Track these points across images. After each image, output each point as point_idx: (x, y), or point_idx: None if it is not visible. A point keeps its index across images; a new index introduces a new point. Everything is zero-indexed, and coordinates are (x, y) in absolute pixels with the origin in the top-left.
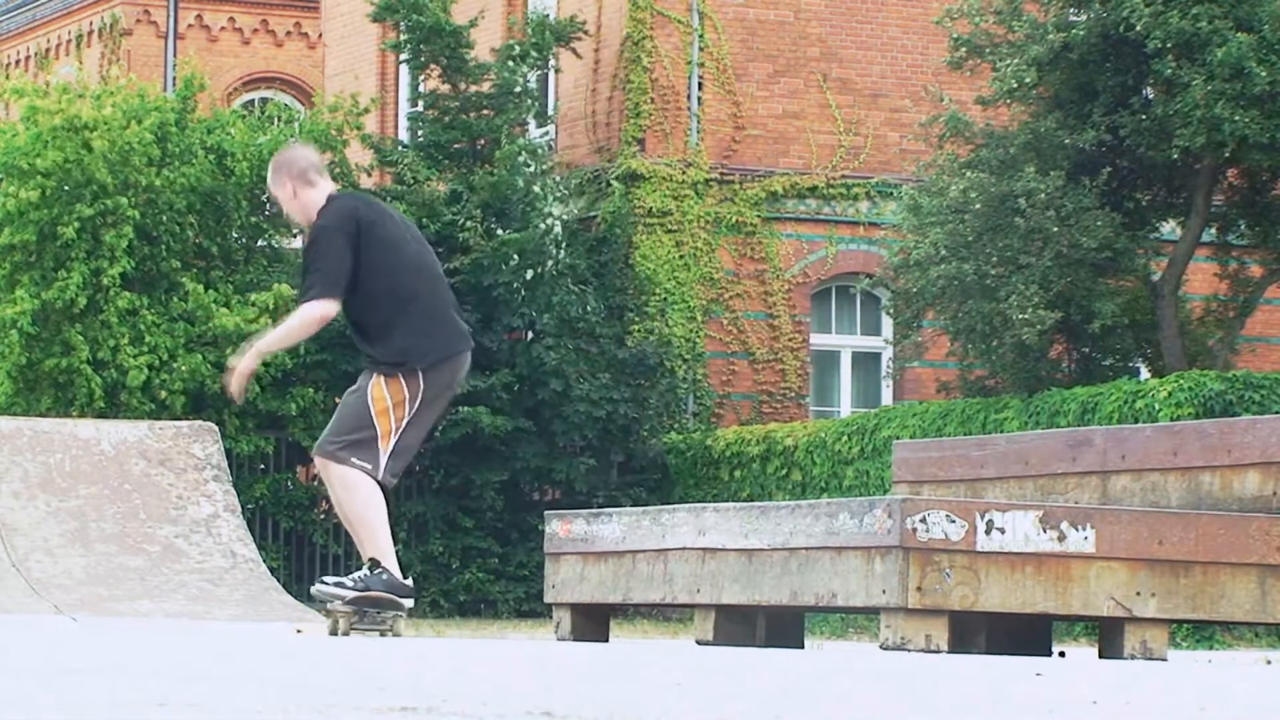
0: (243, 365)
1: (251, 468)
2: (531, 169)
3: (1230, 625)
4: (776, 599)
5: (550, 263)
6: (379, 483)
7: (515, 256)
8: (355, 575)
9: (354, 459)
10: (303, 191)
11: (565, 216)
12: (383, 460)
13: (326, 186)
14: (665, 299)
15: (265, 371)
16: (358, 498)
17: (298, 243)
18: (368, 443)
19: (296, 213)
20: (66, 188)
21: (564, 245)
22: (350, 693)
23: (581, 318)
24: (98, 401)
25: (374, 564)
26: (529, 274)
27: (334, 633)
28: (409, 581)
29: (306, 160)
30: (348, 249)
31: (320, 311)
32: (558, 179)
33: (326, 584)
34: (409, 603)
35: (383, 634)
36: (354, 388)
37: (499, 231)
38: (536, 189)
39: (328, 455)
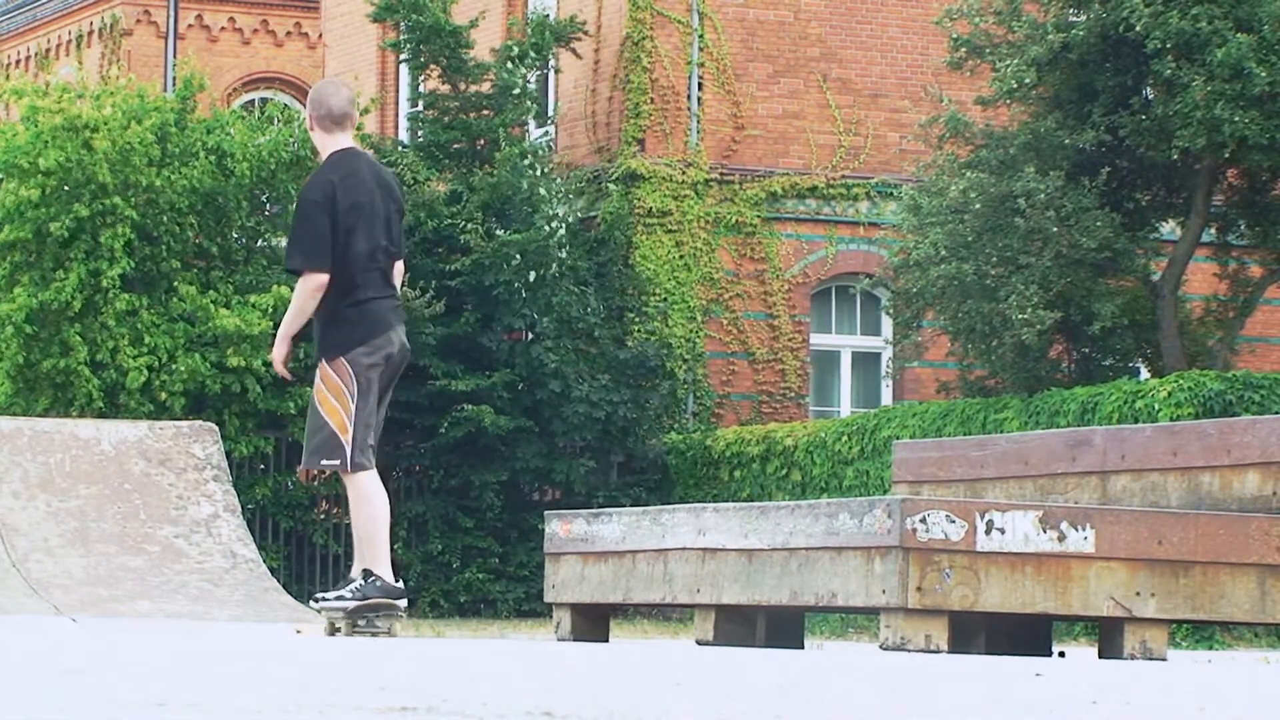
0: (276, 354)
1: (252, 468)
2: (535, 170)
3: (1230, 625)
4: (776, 599)
5: (554, 264)
6: (356, 468)
7: (517, 257)
8: (351, 586)
9: (323, 460)
10: (315, 133)
11: (569, 218)
12: (349, 451)
13: (340, 139)
14: (666, 300)
15: (266, 371)
16: (363, 513)
17: None
18: (329, 439)
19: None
20: (67, 187)
21: (566, 246)
22: (350, 693)
23: (581, 318)
24: (96, 402)
25: (367, 573)
26: (532, 275)
27: (331, 633)
28: (400, 584)
29: (326, 106)
30: (327, 221)
31: (314, 283)
32: (559, 180)
33: (328, 599)
34: (403, 603)
35: (380, 635)
36: None
37: (498, 232)
38: (542, 190)
39: (307, 469)
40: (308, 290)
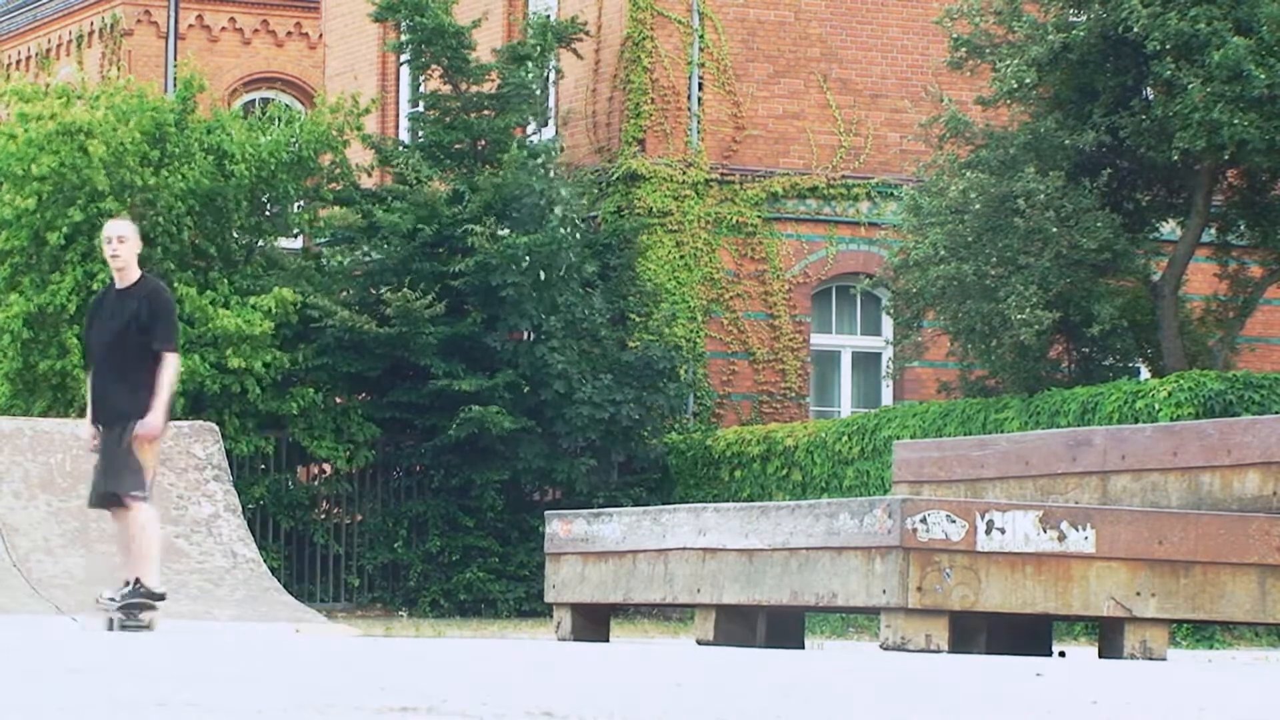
0: (157, 425)
1: (252, 468)
2: (547, 172)
3: (1230, 625)
4: (776, 599)
5: (564, 266)
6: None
7: (526, 258)
8: (124, 591)
9: (133, 490)
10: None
11: (580, 219)
12: (149, 487)
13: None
14: (672, 305)
15: (266, 373)
16: (149, 534)
17: (297, 244)
18: (142, 476)
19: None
20: (64, 192)
21: (576, 248)
22: (350, 693)
23: (587, 319)
24: None
25: (137, 582)
26: (542, 275)
27: (109, 629)
28: (162, 590)
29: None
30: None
31: (179, 361)
32: (567, 180)
33: (104, 598)
34: (162, 604)
35: (143, 628)
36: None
37: (502, 232)
38: (562, 192)
39: (117, 492)
40: (178, 367)
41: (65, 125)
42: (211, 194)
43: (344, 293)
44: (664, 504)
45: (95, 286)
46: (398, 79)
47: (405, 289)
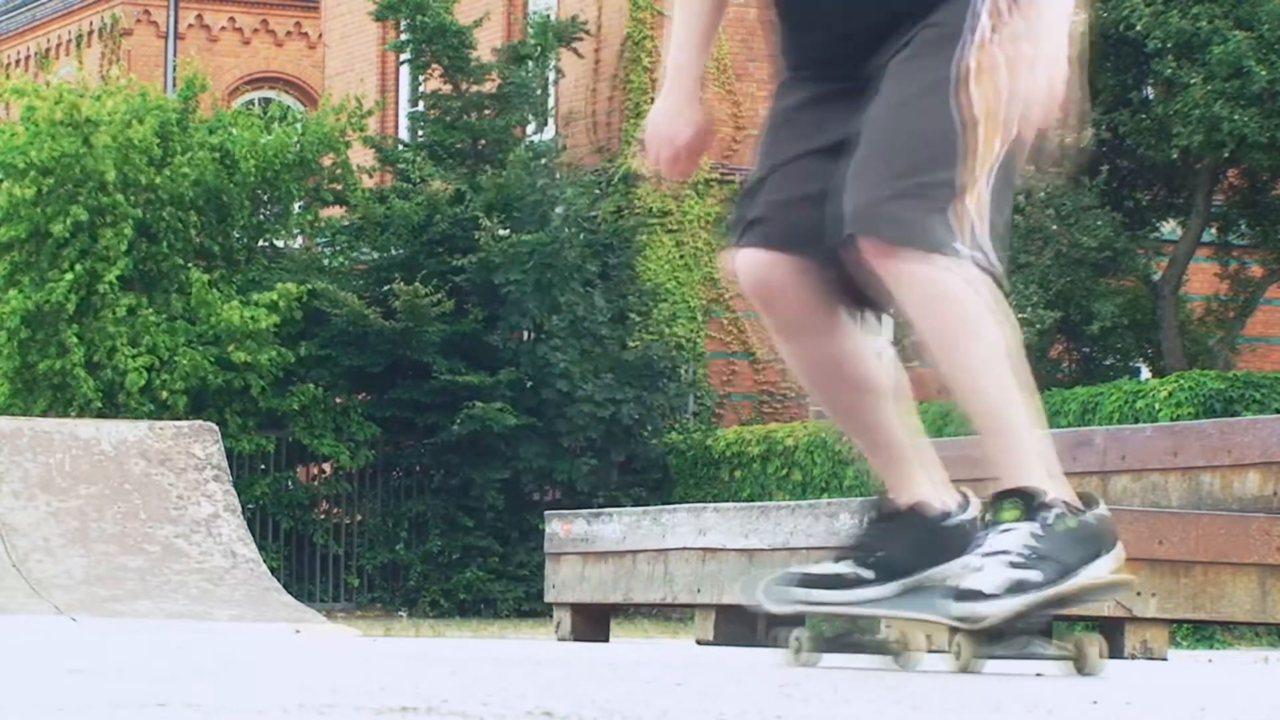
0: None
1: (252, 467)
2: (550, 171)
3: (1230, 625)
4: None
5: (567, 265)
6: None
7: (529, 257)
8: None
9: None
10: None
11: (581, 219)
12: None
13: None
14: (674, 306)
15: (269, 367)
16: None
17: (299, 242)
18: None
19: None
20: (67, 186)
21: (578, 247)
22: (350, 693)
23: (588, 318)
24: (95, 403)
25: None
26: (548, 274)
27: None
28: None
29: None
30: None
31: None
32: (570, 180)
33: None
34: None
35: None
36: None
37: (501, 231)
38: (567, 191)
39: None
40: None
41: (69, 115)
42: (215, 191)
43: (347, 294)
44: (664, 504)
45: (99, 288)
46: (397, 78)
47: (416, 283)
